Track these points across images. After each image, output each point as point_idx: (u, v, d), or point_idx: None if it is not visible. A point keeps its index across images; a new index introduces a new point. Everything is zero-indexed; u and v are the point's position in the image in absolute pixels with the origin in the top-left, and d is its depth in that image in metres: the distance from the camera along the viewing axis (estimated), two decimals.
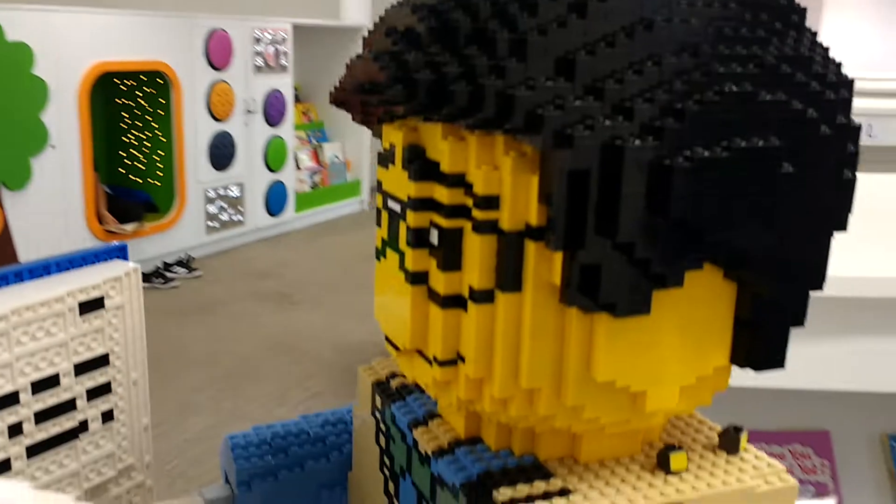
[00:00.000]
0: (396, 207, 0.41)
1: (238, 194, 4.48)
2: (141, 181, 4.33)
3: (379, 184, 0.44)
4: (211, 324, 3.40)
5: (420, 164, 0.39)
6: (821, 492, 1.11)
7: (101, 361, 0.53)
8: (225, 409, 2.61)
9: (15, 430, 0.46)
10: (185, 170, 4.14)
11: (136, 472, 0.54)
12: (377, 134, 0.46)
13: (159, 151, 4.21)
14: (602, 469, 0.41)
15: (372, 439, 0.53)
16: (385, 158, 0.42)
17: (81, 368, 0.51)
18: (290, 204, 4.87)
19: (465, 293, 0.38)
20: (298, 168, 5.05)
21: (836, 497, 1.11)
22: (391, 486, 0.50)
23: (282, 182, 4.76)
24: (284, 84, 4.67)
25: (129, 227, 3.86)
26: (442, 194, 0.38)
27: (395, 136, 0.41)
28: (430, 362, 0.41)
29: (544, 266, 0.36)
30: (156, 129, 4.19)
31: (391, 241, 0.43)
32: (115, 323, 0.52)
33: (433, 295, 0.40)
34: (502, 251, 0.37)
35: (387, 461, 0.51)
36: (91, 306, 0.51)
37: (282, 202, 4.78)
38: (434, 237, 0.39)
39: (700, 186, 0.33)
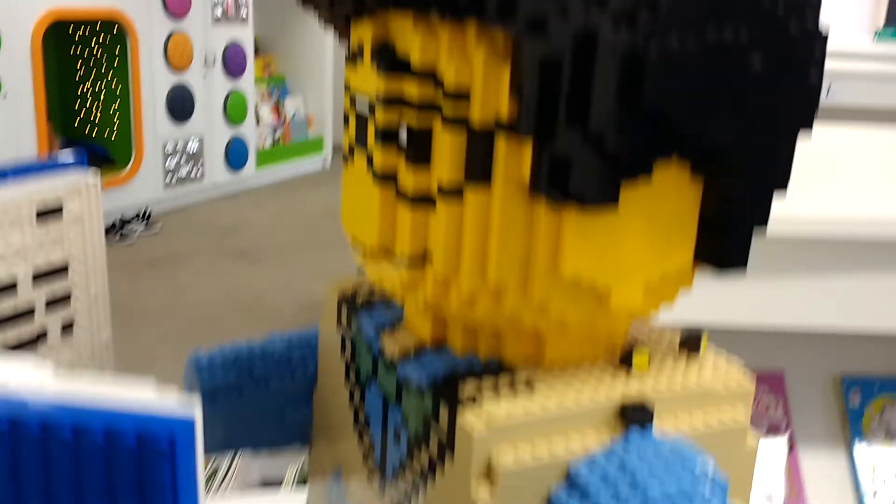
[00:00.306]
0: (364, 107, 0.41)
1: (197, 149, 4.40)
2: (96, 134, 4.23)
3: (346, 85, 0.43)
4: (169, 279, 3.36)
5: (390, 59, 0.38)
6: (774, 431, 1.15)
7: (60, 271, 0.52)
8: (184, 363, 2.59)
9: None
10: (143, 122, 4.05)
11: None
12: (344, 36, 0.45)
13: (115, 103, 4.11)
14: (567, 368, 0.42)
15: (337, 353, 0.53)
16: (353, 57, 0.42)
17: (40, 277, 0.50)
18: (251, 160, 4.79)
19: (434, 191, 0.38)
20: (259, 123, 4.97)
21: (788, 436, 1.15)
22: (357, 396, 0.50)
23: (242, 137, 4.68)
24: (245, 35, 4.57)
25: None
26: (412, 90, 0.38)
27: (364, 32, 0.40)
28: (397, 264, 0.41)
29: (514, 161, 0.36)
30: (111, 80, 4.09)
31: (359, 143, 0.42)
32: (73, 233, 0.51)
33: (401, 194, 0.39)
34: (472, 146, 0.37)
35: (352, 373, 0.51)
36: (49, 214, 0.50)
37: (242, 158, 4.71)
38: (403, 135, 0.39)
39: (672, 79, 0.34)
